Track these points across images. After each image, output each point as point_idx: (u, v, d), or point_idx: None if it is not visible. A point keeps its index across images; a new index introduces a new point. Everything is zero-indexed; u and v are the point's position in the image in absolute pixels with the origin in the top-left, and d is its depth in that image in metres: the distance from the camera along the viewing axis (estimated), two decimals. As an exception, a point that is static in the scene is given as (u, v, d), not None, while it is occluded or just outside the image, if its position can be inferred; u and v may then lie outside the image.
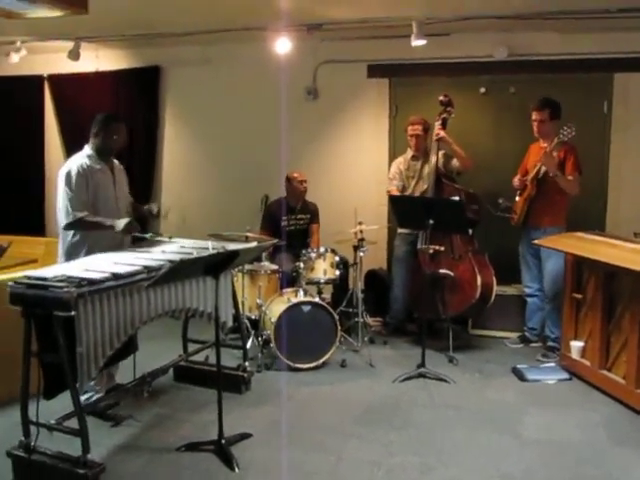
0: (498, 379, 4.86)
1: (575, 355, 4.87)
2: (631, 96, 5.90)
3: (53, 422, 3.48)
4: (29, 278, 3.29)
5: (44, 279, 3.23)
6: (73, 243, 4.03)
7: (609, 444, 3.80)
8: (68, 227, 3.97)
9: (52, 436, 3.40)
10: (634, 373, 4.22)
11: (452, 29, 5.92)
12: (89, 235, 4.01)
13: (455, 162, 5.58)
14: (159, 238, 4.45)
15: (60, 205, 3.96)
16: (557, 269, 5.18)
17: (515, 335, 5.72)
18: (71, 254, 4.00)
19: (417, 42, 5.56)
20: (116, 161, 4.33)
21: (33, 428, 3.32)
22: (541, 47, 5.98)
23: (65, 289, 3.11)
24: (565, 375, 4.87)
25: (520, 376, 4.86)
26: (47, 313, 3.15)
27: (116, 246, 4.11)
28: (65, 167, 4.03)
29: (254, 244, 4.56)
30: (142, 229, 4.19)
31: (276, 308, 5.09)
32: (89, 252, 3.94)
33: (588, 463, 3.56)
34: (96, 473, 3.21)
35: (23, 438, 3.32)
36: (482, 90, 6.28)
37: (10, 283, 3.27)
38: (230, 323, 4.46)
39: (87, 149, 4.12)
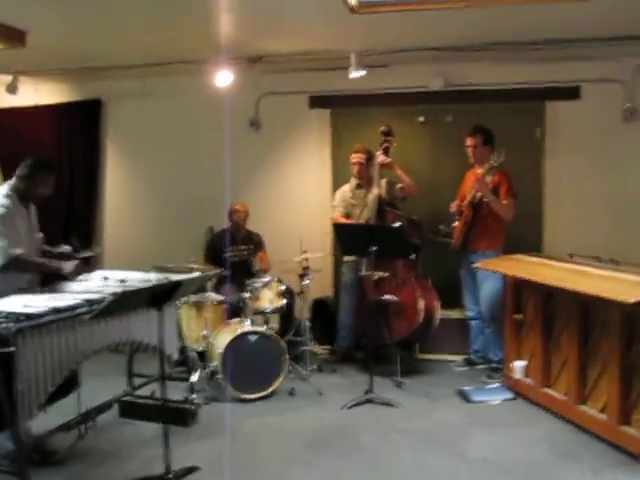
0: (444, 401, 4.92)
1: (518, 375, 4.97)
2: (562, 123, 6.14)
3: (-8, 463, 3.38)
4: (-34, 314, 3.20)
5: (-19, 315, 3.15)
6: None
7: (551, 459, 3.88)
8: (4, 267, 3.72)
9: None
10: (574, 390, 4.33)
11: (389, 61, 6.08)
12: (6, 277, 3.76)
13: (398, 188, 5.69)
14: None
15: None
16: (493, 292, 5.31)
17: (461, 358, 5.80)
18: None
19: (355, 74, 5.67)
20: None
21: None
22: (475, 77, 6.18)
23: (3, 324, 3.04)
24: (509, 395, 4.96)
25: (466, 398, 4.94)
26: (-15, 350, 3.07)
27: (27, 286, 3.92)
28: None
29: (197, 274, 4.54)
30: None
31: (222, 339, 5.06)
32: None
33: (532, 479, 3.63)
34: (38, 514, 3.13)
35: (-40, 481, 3.22)
36: (420, 119, 6.44)
37: (-54, 320, 3.18)
38: (176, 356, 4.43)
39: (6, 189, 3.90)
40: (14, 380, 3.09)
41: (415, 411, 4.73)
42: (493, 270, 5.13)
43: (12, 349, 3.04)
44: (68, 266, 3.90)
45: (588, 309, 4.25)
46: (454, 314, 5.93)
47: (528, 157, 6.17)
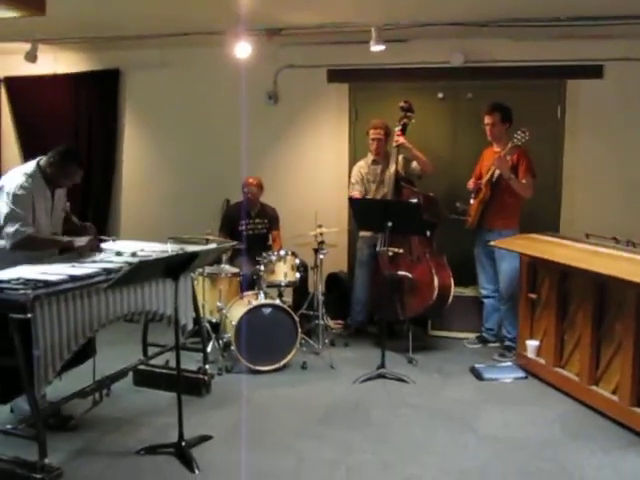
0: (456, 378, 4.93)
1: (531, 354, 4.96)
2: (582, 102, 6.06)
3: (9, 427, 3.44)
4: (-15, 281, 3.24)
5: (0, 281, 3.19)
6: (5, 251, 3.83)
7: (563, 439, 3.88)
8: (15, 246, 3.78)
9: (9, 441, 3.36)
10: (587, 370, 4.32)
11: (410, 35, 6.01)
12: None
13: (415, 165, 5.67)
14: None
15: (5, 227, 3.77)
16: (512, 270, 5.29)
17: (473, 335, 5.80)
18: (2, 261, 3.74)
19: (376, 47, 5.62)
20: None
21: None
22: (496, 54, 6.11)
23: (21, 291, 3.07)
24: (521, 374, 4.96)
25: (478, 375, 4.94)
26: (3, 315, 3.09)
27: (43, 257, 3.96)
28: (9, 184, 3.82)
29: (213, 246, 4.55)
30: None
31: (237, 311, 5.09)
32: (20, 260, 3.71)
33: (543, 458, 3.63)
34: (53, 478, 3.17)
35: (-21, 444, 3.28)
36: (440, 95, 6.38)
37: (-34, 287, 3.22)
38: (190, 326, 4.45)
39: (35, 167, 3.93)
40: (31, 346, 3.13)
41: (427, 387, 4.75)
42: (509, 249, 5.10)
43: (29, 315, 3.07)
44: (81, 241, 3.91)
45: (603, 290, 4.22)
46: (468, 292, 5.92)
47: (547, 135, 6.10)
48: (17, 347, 3.10)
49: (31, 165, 3.98)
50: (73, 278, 3.35)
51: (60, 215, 4.19)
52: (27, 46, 6.37)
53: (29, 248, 3.86)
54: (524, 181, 5.26)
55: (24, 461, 3.20)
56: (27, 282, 3.15)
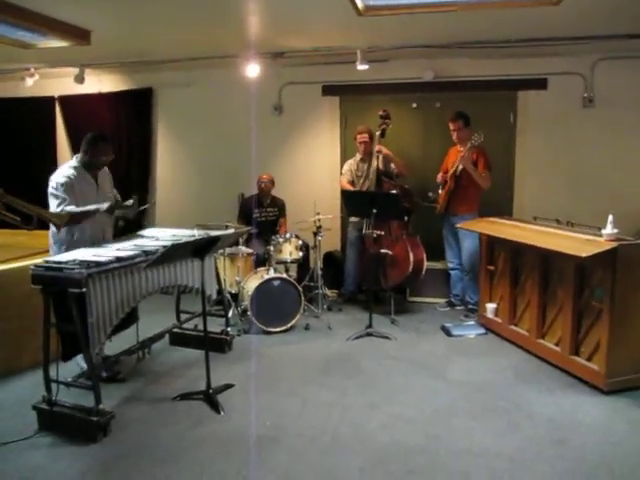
0: (430, 335, 4.96)
1: (490, 314, 5.00)
2: (530, 109, 6.03)
3: (70, 380, 3.47)
4: (47, 262, 3.26)
5: (59, 262, 3.21)
6: (59, 234, 3.87)
7: (516, 382, 3.93)
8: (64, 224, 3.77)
9: (69, 391, 3.38)
10: (535, 327, 4.36)
11: (389, 56, 5.95)
12: (72, 229, 3.86)
13: (393, 167, 5.64)
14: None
15: (52, 208, 3.78)
16: (472, 247, 5.30)
17: (443, 300, 5.82)
18: (61, 243, 3.89)
19: (361, 67, 5.58)
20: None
21: (54, 385, 3.31)
22: (460, 71, 6.06)
23: (77, 270, 3.09)
24: (482, 330, 4.99)
25: (447, 332, 4.97)
26: (62, 290, 3.12)
27: (99, 237, 4.00)
28: (55, 176, 3.83)
29: (231, 231, 4.56)
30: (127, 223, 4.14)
31: (251, 283, 5.10)
32: (74, 242, 3.80)
33: (500, 398, 3.68)
34: (107, 420, 3.22)
35: (46, 394, 3.31)
36: (414, 105, 6.34)
37: (32, 267, 3.24)
38: (214, 296, 4.46)
39: (74, 161, 3.94)
40: (86, 315, 3.16)
41: (406, 342, 4.78)
42: (472, 230, 5.11)
43: (84, 290, 3.10)
44: (104, 206, 3.89)
45: (548, 262, 4.25)
46: (438, 265, 5.91)
47: (502, 137, 6.07)
48: (75, 316, 3.14)
49: (72, 160, 3.98)
50: (119, 259, 3.36)
51: (107, 195, 4.11)
52: (76, 70, 6.33)
53: (73, 222, 3.81)
54: (483, 174, 5.25)
55: (83, 407, 3.24)
56: (81, 263, 3.17)
